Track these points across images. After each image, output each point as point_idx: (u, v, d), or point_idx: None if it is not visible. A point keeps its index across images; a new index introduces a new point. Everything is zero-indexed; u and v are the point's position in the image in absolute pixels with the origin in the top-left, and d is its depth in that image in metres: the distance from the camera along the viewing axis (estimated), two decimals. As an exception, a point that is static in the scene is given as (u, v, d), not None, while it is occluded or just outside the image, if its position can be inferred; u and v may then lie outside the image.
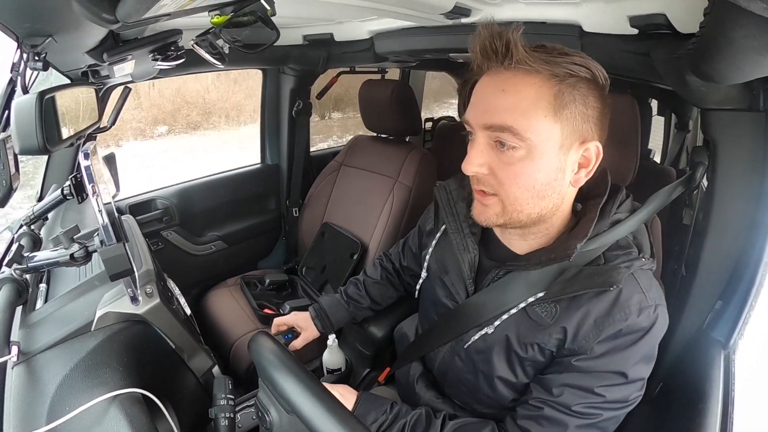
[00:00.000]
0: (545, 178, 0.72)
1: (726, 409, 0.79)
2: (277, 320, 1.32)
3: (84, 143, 1.40)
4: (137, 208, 1.89)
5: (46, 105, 0.84)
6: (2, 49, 0.86)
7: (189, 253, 2.03)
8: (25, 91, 0.91)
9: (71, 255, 0.84)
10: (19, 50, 0.84)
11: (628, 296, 0.74)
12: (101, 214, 0.77)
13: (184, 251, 2.02)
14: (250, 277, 2.02)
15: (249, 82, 7.53)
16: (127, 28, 0.67)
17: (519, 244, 0.86)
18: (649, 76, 0.94)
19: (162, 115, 7.47)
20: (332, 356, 1.34)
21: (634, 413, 0.78)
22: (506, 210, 0.76)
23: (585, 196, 0.83)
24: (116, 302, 0.88)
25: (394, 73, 2.78)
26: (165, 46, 1.08)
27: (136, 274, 0.89)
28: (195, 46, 0.95)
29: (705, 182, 0.95)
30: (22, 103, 0.82)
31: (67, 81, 1.24)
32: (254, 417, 0.86)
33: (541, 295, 0.79)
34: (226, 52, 0.96)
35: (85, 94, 1.18)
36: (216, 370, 1.07)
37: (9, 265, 0.87)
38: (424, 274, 1.04)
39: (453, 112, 3.98)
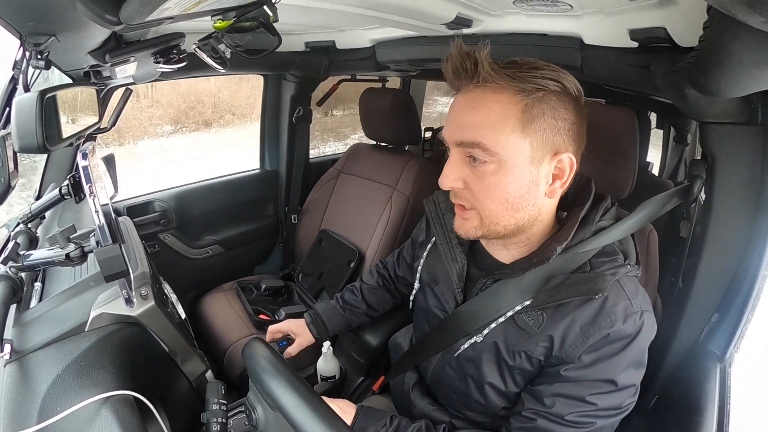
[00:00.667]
0: (518, 191, 0.74)
1: (721, 422, 0.79)
2: (271, 328, 1.31)
3: (83, 143, 1.40)
4: (135, 210, 1.88)
5: (47, 104, 0.84)
6: (5, 47, 0.86)
7: (185, 257, 2.03)
8: (27, 89, 0.91)
9: (67, 255, 0.84)
10: (22, 48, 0.84)
11: (614, 303, 0.74)
12: (98, 215, 0.77)
13: (180, 254, 2.01)
14: (247, 283, 2.02)
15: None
16: (130, 30, 0.67)
17: (502, 253, 0.87)
18: (649, 88, 0.95)
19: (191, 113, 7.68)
20: (327, 363, 1.33)
21: (630, 426, 0.78)
22: (484, 223, 0.78)
23: (571, 204, 0.84)
24: (111, 303, 0.88)
25: (394, 83, 2.79)
26: (167, 49, 1.08)
27: (132, 275, 0.88)
28: (197, 50, 0.96)
29: (703, 195, 0.95)
30: (23, 101, 0.82)
31: (69, 80, 1.24)
32: (246, 423, 0.85)
33: (528, 303, 0.80)
34: (228, 56, 0.97)
35: (87, 94, 1.18)
36: (209, 374, 1.07)
37: (4, 262, 0.87)
38: (416, 285, 1.05)
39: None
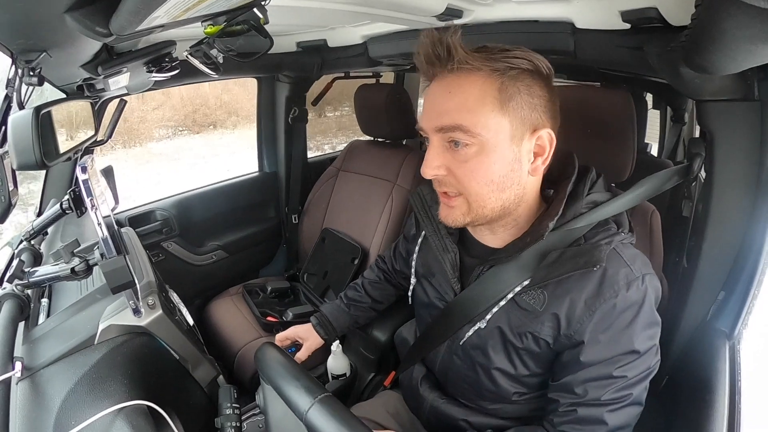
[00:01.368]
0: (502, 170, 0.74)
1: (733, 399, 0.79)
2: (278, 337, 1.31)
3: (81, 157, 1.40)
4: (136, 220, 1.88)
5: (43, 120, 0.84)
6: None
7: (190, 264, 2.03)
8: (21, 106, 0.91)
9: (72, 269, 0.84)
10: (13, 66, 0.84)
11: (614, 272, 0.74)
12: (101, 228, 0.77)
13: (184, 262, 2.01)
14: (252, 286, 2.02)
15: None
16: (121, 41, 0.67)
17: (490, 238, 0.87)
18: (643, 69, 0.95)
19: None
20: (337, 362, 1.34)
21: (643, 407, 0.78)
22: (471, 207, 0.78)
23: (556, 181, 0.85)
24: (119, 315, 0.88)
25: (388, 78, 2.78)
26: (159, 57, 1.08)
27: (138, 286, 0.88)
28: (189, 56, 0.95)
29: (703, 173, 0.95)
30: (19, 119, 0.82)
31: (63, 95, 1.24)
32: (260, 425, 0.86)
33: (526, 282, 0.80)
34: (221, 61, 0.96)
35: (81, 108, 1.18)
36: (221, 379, 1.07)
37: (10, 280, 0.87)
38: (413, 280, 1.06)
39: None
